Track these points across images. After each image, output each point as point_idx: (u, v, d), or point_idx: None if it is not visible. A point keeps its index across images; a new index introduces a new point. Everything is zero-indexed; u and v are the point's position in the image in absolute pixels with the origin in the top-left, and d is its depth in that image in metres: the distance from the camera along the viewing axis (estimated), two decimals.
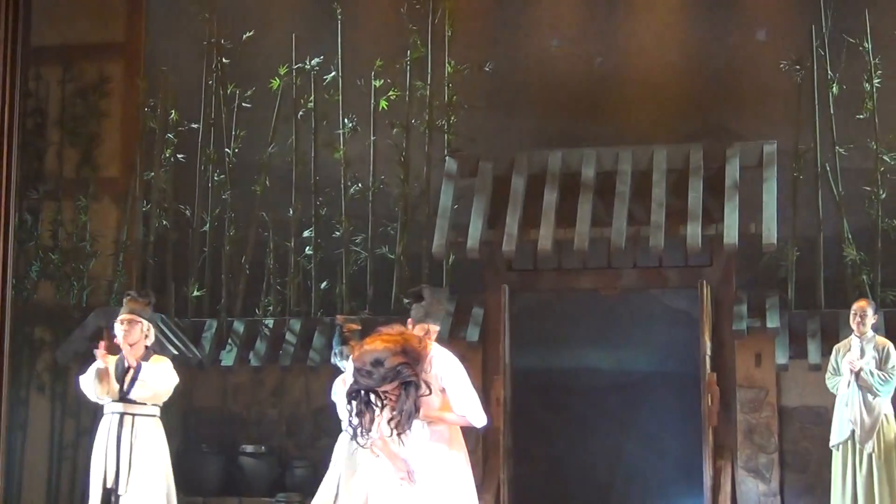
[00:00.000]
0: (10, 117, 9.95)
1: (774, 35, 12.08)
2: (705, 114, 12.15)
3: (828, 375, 9.54)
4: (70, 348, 11.44)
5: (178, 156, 12.60)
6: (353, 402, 4.87)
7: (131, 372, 7.95)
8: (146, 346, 8.08)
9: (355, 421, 4.88)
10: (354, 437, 4.97)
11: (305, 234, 12.34)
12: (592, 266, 11.15)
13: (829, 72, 11.48)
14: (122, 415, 7.92)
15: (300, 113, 12.47)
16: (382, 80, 12.26)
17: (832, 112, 11.48)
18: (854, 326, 9.45)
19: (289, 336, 11.81)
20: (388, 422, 4.90)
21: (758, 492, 10.59)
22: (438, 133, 12.17)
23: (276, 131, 12.49)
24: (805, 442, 10.30)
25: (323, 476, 8.91)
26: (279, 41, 12.48)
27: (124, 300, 8.20)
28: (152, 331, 8.18)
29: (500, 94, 12.42)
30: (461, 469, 5.63)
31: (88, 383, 8.02)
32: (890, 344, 9.43)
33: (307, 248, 12.31)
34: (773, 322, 10.66)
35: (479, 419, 5.55)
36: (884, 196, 11.25)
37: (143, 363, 7.99)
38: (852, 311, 9.52)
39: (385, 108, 12.27)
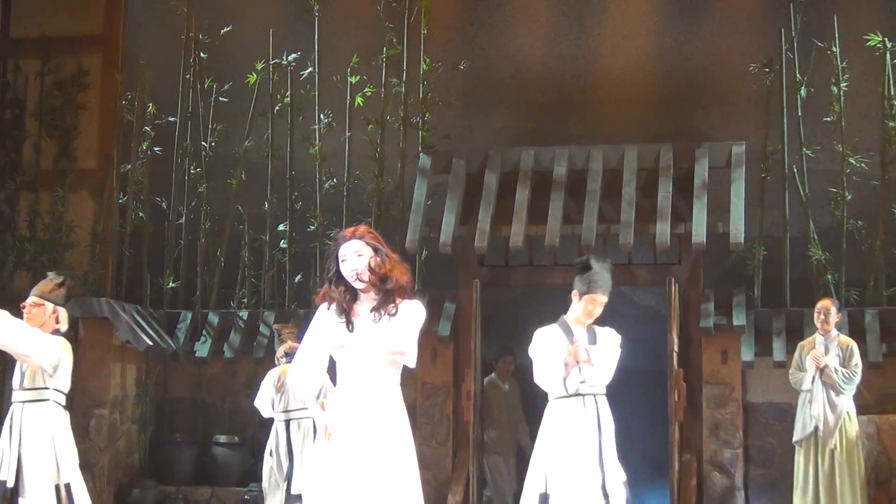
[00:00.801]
0: None
1: (744, 38, 12.12)
2: (675, 114, 12.18)
3: (791, 371, 9.59)
4: None
5: (156, 149, 12.56)
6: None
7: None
8: (58, 331, 7.45)
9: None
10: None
11: (280, 227, 12.31)
12: (563, 262, 11.15)
13: (798, 75, 11.52)
14: (23, 403, 7.34)
15: (276, 108, 12.45)
16: (358, 77, 12.25)
17: (800, 114, 11.53)
18: (818, 325, 9.51)
19: (263, 328, 11.79)
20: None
21: (722, 486, 10.62)
22: (413, 130, 12.17)
23: (253, 126, 12.47)
24: (769, 438, 10.35)
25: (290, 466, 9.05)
26: (256, 36, 12.45)
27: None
28: (63, 315, 7.54)
29: (474, 92, 12.43)
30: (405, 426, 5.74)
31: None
32: (853, 343, 9.49)
33: (282, 241, 12.29)
34: (739, 320, 10.71)
35: (413, 359, 5.57)
36: (849, 197, 11.30)
37: None
38: (816, 310, 9.59)
39: (360, 104, 12.25)
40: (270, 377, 9.32)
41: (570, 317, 7.29)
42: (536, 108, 12.38)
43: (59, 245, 12.19)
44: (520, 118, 12.44)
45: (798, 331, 10.53)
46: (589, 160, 11.16)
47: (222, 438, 11.53)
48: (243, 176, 12.39)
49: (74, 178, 12.33)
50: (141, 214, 12.47)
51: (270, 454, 9.39)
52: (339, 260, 5.17)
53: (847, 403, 9.32)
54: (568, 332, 7.23)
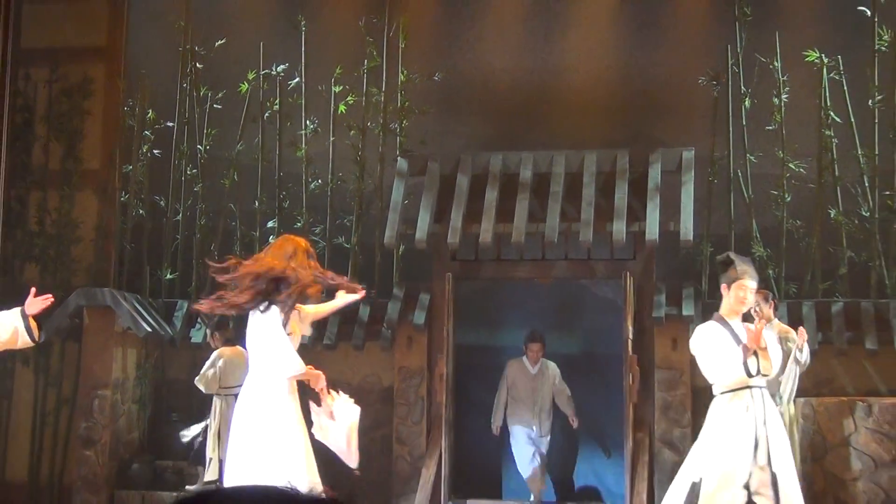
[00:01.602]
0: (1, 114, 9.86)
1: (694, 53, 12.15)
2: (631, 123, 12.21)
3: None
4: (53, 324, 11.33)
5: (155, 151, 12.52)
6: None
7: None
8: None
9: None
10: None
11: (269, 224, 12.29)
12: (528, 258, 11.19)
13: (743, 87, 11.57)
14: None
15: (266, 114, 12.43)
16: (341, 87, 12.24)
17: (744, 123, 11.58)
18: (753, 315, 9.57)
19: None
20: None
21: (672, 461, 10.66)
22: (391, 135, 12.17)
23: (244, 131, 12.44)
24: None
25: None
26: (248, 49, 12.43)
27: None
28: None
29: (447, 101, 12.43)
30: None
31: None
32: (791, 332, 9.52)
33: (271, 237, 12.24)
34: (688, 310, 10.74)
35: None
36: (789, 199, 11.36)
37: None
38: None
39: (343, 111, 12.24)
40: (212, 358, 9.56)
41: (723, 310, 7.15)
42: (504, 115, 12.40)
43: (66, 240, 12.14)
44: (489, 125, 12.45)
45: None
46: (552, 164, 11.19)
47: None
48: (235, 177, 12.36)
49: (80, 178, 12.27)
50: (141, 212, 12.44)
51: (208, 428, 9.56)
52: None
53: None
54: (725, 324, 7.09)
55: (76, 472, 11.18)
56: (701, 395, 10.09)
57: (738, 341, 7.16)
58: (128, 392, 11.50)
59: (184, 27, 12.50)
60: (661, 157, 11.05)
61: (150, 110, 12.50)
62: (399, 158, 11.78)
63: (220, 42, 12.41)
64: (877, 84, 11.25)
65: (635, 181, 10.99)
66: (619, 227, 10.58)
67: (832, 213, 11.24)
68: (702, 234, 11.25)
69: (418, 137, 12.10)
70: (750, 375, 6.92)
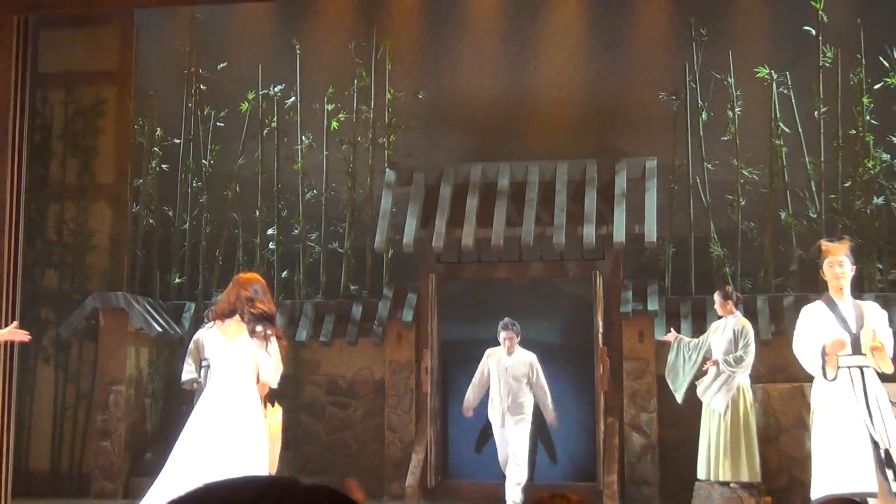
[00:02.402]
0: (20, 132, 9.82)
1: (655, 71, 12.19)
2: (598, 135, 12.22)
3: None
4: (70, 325, 11.33)
5: (163, 166, 12.50)
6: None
7: None
8: None
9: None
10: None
11: (269, 231, 12.28)
12: (506, 259, 11.20)
13: (700, 101, 11.60)
14: None
15: (265, 131, 12.41)
16: (334, 105, 12.23)
17: (701, 134, 11.61)
18: (717, 309, 9.61)
19: None
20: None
21: (640, 444, 10.70)
22: (380, 149, 12.16)
23: (245, 146, 12.42)
24: (679, 404, 10.42)
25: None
26: (248, 71, 12.41)
27: None
28: None
29: (431, 117, 12.44)
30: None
31: None
32: (748, 325, 9.53)
33: (270, 243, 12.26)
34: (653, 305, 10.78)
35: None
36: (743, 203, 11.40)
37: None
38: (715, 297, 9.69)
39: (336, 127, 12.23)
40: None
41: (830, 290, 6.81)
42: (483, 130, 12.41)
43: (82, 248, 12.10)
44: (469, 139, 12.45)
45: (702, 314, 10.62)
46: (527, 174, 11.21)
47: None
48: (237, 188, 12.34)
49: (94, 191, 12.24)
50: (151, 221, 12.41)
51: None
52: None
53: (743, 379, 9.37)
54: (832, 305, 6.73)
55: (94, 461, 11.14)
56: (665, 383, 10.13)
57: (843, 319, 6.74)
58: (141, 387, 11.47)
59: (188, 52, 12.47)
60: (626, 166, 11.09)
61: (159, 128, 12.47)
62: (387, 170, 11.79)
63: (221, 65, 12.39)
64: (821, 97, 11.29)
65: (603, 188, 11.02)
66: (589, 231, 10.61)
67: (783, 215, 11.28)
68: (664, 235, 11.27)
69: (405, 151, 12.11)
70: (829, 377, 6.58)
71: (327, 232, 12.17)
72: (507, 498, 9.45)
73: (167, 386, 11.68)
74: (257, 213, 12.31)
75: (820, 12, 11.22)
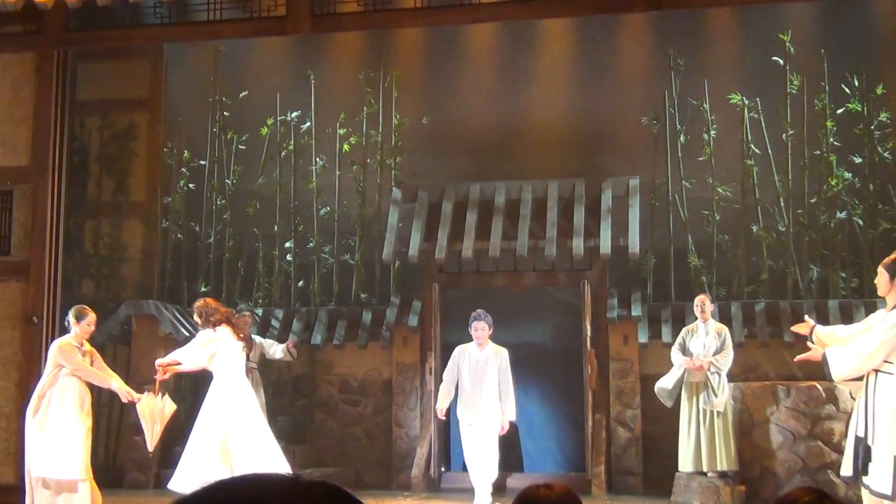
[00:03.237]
0: (61, 155, 9.84)
1: (637, 98, 12.21)
2: (586, 156, 12.24)
3: (674, 349, 9.61)
4: (106, 331, 11.31)
5: (190, 185, 12.51)
6: None
7: None
8: None
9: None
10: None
11: (287, 245, 12.30)
12: (503, 269, 11.22)
13: (678, 125, 11.63)
14: None
15: (283, 153, 12.44)
16: (345, 129, 12.26)
17: (680, 156, 11.63)
18: (698, 314, 9.56)
19: (273, 322, 11.77)
20: None
21: (625, 438, 10.70)
22: (387, 169, 12.19)
23: (265, 167, 12.44)
24: (659, 401, 10.43)
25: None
26: (267, 99, 12.44)
27: None
28: None
29: (434, 140, 12.46)
30: None
31: None
32: (726, 328, 9.56)
33: (288, 255, 12.28)
34: (636, 311, 10.79)
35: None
36: (718, 218, 11.41)
37: None
38: (696, 303, 9.62)
39: (347, 150, 12.26)
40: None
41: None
42: (481, 152, 12.43)
43: (116, 260, 12.11)
44: (469, 160, 12.48)
45: (681, 319, 10.62)
46: (521, 192, 11.24)
47: None
48: (258, 205, 12.36)
49: (127, 208, 12.25)
50: (179, 236, 12.42)
51: None
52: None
53: (722, 375, 9.36)
54: None
55: (127, 455, 11.14)
56: (648, 382, 10.14)
57: None
58: (170, 387, 11.45)
59: (213, 82, 12.50)
60: (611, 184, 11.12)
61: (186, 151, 12.50)
62: (394, 188, 11.81)
63: (243, 94, 12.42)
64: (789, 121, 11.32)
65: (590, 205, 11.04)
66: (578, 244, 10.63)
67: (754, 228, 11.29)
68: (646, 247, 11.27)
69: (410, 171, 12.13)
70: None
71: (340, 245, 12.19)
72: (479, 497, 8.75)
73: (194, 385, 11.68)
74: (276, 227, 12.33)
75: (787, 44, 11.25)
